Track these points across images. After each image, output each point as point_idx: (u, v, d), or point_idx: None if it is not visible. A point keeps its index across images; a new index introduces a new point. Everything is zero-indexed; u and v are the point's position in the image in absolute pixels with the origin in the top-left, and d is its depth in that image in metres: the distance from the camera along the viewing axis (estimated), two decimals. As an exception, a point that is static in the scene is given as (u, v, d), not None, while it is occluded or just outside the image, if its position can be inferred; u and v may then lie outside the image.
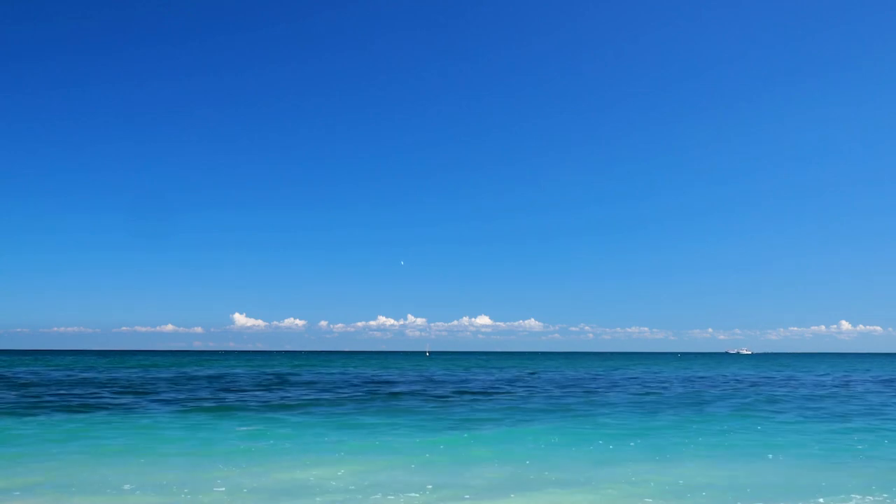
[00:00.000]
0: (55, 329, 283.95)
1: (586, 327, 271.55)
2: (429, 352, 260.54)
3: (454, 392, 38.09)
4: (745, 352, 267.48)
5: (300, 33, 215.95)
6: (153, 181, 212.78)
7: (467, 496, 12.28)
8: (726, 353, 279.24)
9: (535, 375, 61.58)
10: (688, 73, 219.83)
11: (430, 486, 12.92)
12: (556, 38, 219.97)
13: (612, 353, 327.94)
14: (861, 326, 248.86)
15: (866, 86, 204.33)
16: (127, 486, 12.78)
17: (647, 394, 37.35)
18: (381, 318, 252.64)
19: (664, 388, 42.91)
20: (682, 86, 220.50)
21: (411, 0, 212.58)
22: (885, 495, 12.32)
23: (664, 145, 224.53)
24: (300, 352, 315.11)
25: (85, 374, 58.19)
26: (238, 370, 70.31)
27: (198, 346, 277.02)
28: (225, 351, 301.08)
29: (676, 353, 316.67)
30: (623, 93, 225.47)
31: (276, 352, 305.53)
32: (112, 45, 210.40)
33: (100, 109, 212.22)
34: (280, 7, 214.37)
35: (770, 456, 16.56)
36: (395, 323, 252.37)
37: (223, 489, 12.61)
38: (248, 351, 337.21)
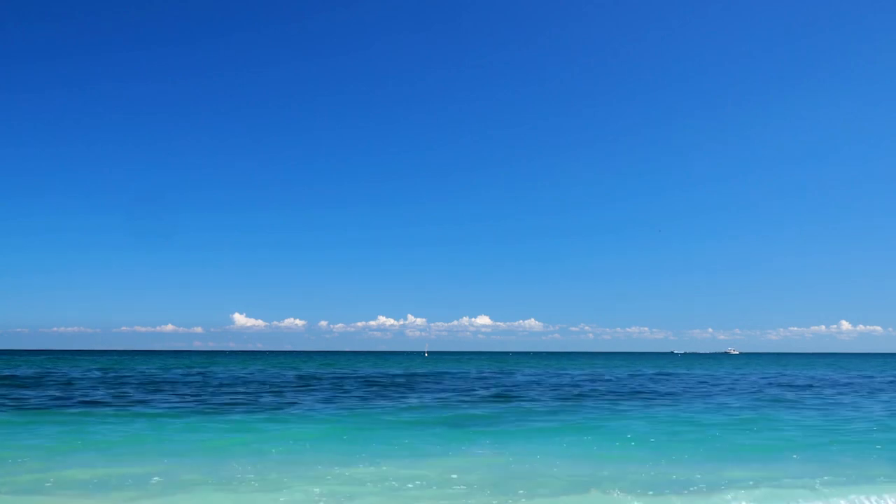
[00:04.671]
0: (55, 329, 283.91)
1: (586, 327, 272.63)
2: (427, 352, 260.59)
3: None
4: (733, 352, 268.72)
5: (300, 33, 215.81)
6: (153, 181, 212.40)
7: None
8: (726, 353, 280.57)
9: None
10: (688, 73, 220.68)
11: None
12: (556, 39, 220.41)
13: (621, 354, 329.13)
14: (861, 326, 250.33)
15: (866, 86, 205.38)
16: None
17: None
18: (381, 318, 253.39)
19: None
20: (682, 86, 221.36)
21: (412, 1, 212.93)
22: None
23: (664, 146, 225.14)
24: (325, 352, 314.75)
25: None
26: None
27: (198, 346, 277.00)
28: (229, 351, 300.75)
29: (674, 353, 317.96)
30: (623, 93, 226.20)
31: (279, 352, 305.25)
32: (112, 45, 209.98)
33: (100, 109, 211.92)
34: (280, 7, 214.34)
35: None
36: (395, 323, 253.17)
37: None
38: (249, 351, 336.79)
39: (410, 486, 13.19)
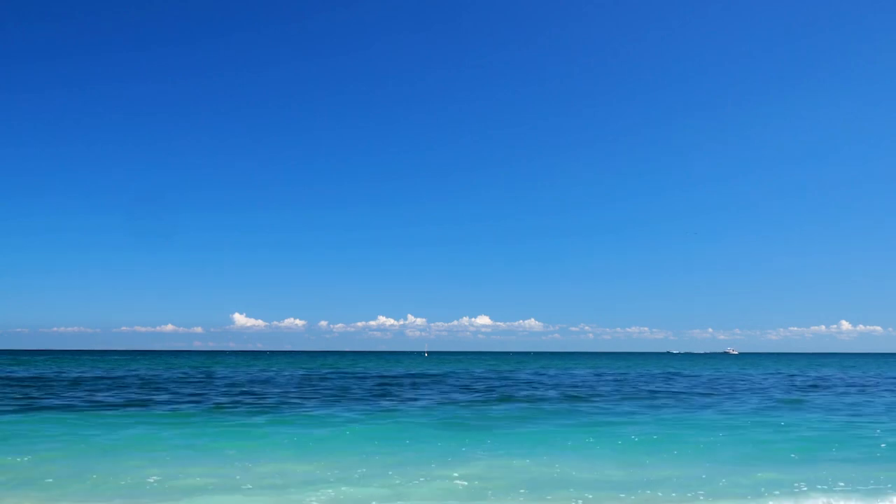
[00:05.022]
0: (55, 329, 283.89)
1: (586, 327, 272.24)
2: (427, 352, 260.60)
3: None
4: (732, 352, 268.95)
5: (300, 33, 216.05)
6: (153, 181, 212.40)
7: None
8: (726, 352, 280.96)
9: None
10: (688, 73, 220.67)
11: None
12: (556, 39, 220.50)
13: (622, 354, 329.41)
14: (861, 326, 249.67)
15: (866, 86, 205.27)
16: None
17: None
18: (381, 318, 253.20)
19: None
20: (682, 86, 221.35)
21: (412, 1, 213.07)
22: None
23: (664, 146, 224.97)
24: (335, 352, 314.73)
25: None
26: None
27: (198, 346, 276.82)
28: (229, 351, 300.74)
29: (671, 353, 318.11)
30: (623, 93, 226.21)
31: (279, 352, 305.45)
32: (112, 45, 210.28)
33: (100, 109, 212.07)
34: (280, 7, 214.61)
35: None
36: (395, 323, 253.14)
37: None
38: (250, 351, 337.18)
39: (416, 483, 13.30)
